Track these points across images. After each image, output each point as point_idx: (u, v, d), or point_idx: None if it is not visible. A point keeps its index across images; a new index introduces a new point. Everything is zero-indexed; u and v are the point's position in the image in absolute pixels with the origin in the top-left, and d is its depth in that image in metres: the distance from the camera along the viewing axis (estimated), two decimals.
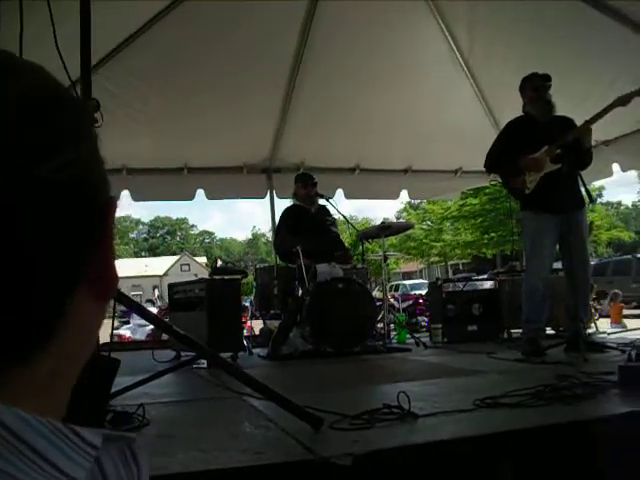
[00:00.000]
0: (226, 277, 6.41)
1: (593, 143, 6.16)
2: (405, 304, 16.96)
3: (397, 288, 31.89)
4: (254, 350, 6.68)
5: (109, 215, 0.55)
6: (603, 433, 2.59)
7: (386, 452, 2.23)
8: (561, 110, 5.42)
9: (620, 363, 3.56)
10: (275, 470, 2.08)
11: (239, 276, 6.55)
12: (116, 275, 0.57)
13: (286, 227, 6.95)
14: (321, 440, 2.45)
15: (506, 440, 2.42)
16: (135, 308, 2.88)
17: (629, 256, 21.77)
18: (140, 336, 13.66)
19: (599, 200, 52.64)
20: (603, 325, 9.15)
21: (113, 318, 3.11)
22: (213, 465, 2.11)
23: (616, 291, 13.19)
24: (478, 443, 2.36)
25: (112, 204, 0.56)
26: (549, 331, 6.69)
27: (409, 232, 37.55)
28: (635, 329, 7.17)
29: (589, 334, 6.14)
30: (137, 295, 58.08)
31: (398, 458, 2.24)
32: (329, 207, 7.30)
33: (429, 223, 40.81)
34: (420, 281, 35.41)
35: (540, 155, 5.25)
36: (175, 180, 8.57)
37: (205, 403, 3.69)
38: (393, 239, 39.80)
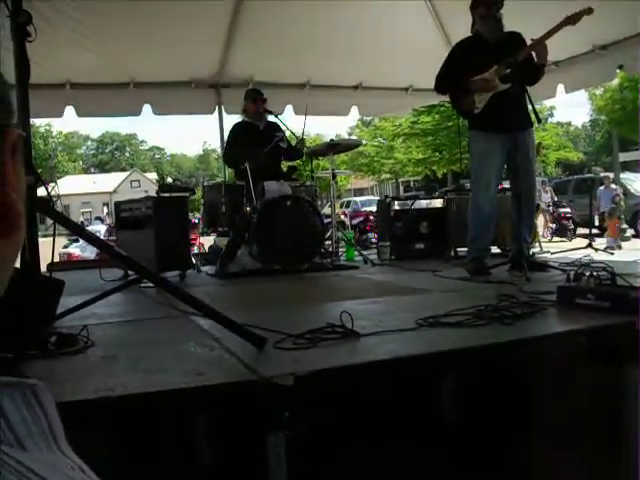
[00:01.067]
0: (173, 195, 6.33)
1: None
2: (356, 221, 17.09)
3: (348, 205, 31.99)
4: (203, 268, 6.68)
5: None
6: (538, 352, 2.66)
7: (327, 372, 2.25)
8: (511, 28, 5.36)
9: (559, 283, 3.64)
10: (216, 391, 2.09)
11: (187, 194, 6.48)
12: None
13: (235, 142, 6.86)
14: (264, 360, 2.46)
15: (444, 360, 2.47)
16: (74, 230, 2.82)
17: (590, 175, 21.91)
18: (90, 254, 13.52)
19: (550, 120, 53.04)
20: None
21: (54, 237, 3.04)
22: (154, 387, 2.11)
23: (613, 206, 13.38)
24: (416, 363, 2.41)
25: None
26: (495, 250, 6.81)
27: (360, 149, 37.57)
28: (577, 248, 7.31)
29: (533, 254, 6.25)
30: (87, 212, 57.47)
31: (339, 378, 2.27)
32: (279, 123, 7.21)
33: (381, 140, 40.69)
34: (371, 198, 35.48)
35: (489, 75, 5.22)
36: (121, 95, 8.38)
37: (151, 323, 3.67)
38: (344, 156, 39.78)
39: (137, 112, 8.56)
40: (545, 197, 16.56)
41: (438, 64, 5.57)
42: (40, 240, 3.05)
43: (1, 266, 0.56)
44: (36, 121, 48.49)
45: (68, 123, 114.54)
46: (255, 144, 6.66)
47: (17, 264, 0.63)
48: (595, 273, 3.53)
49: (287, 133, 7.28)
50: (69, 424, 0.57)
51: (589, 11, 4.83)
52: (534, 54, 5.15)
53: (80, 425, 1.77)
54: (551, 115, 57.28)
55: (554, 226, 16.91)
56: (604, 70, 7.66)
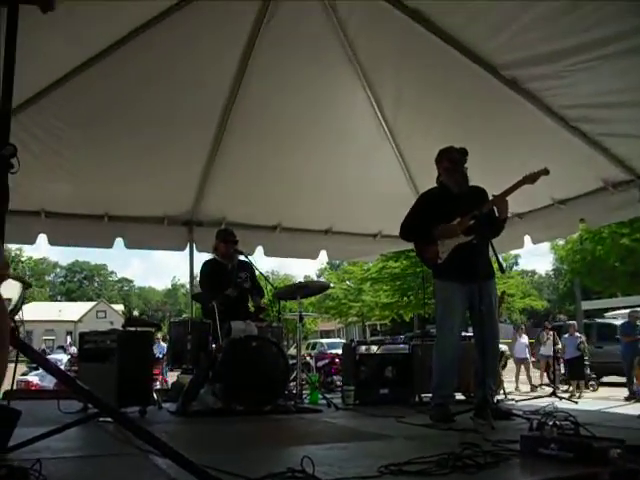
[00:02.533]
0: (139, 329, 6.30)
1: (509, 215, 6.38)
2: (321, 363, 16.87)
3: (314, 346, 31.85)
4: (165, 404, 6.55)
5: None
6: None
7: None
8: (478, 182, 5.59)
9: (523, 432, 3.64)
10: None
11: (152, 329, 6.45)
12: None
13: (207, 279, 6.93)
14: None
15: None
16: (36, 359, 2.80)
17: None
18: (48, 383, 13.22)
19: (515, 268, 54.17)
20: None
21: (15, 365, 3.01)
22: None
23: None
24: None
25: None
26: (459, 396, 6.78)
27: (328, 291, 37.82)
28: (541, 396, 7.32)
29: (497, 401, 6.24)
30: (50, 340, 56.39)
31: None
32: (248, 264, 7.30)
33: (349, 283, 41.09)
34: (338, 340, 35.50)
35: (453, 226, 5.40)
36: (94, 227, 8.44)
37: (108, 459, 3.58)
38: (312, 298, 39.98)
39: (109, 245, 8.61)
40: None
41: (406, 211, 5.77)
42: None
43: None
44: (7, 246, 48.49)
45: (39, 249, 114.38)
46: (221, 283, 6.73)
47: None
48: (558, 422, 3.53)
49: (256, 273, 7.38)
50: None
51: (546, 172, 5.10)
52: (495, 209, 5.36)
53: None
54: (516, 263, 58.71)
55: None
56: (567, 223, 7.95)
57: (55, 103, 6.48)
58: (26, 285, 2.63)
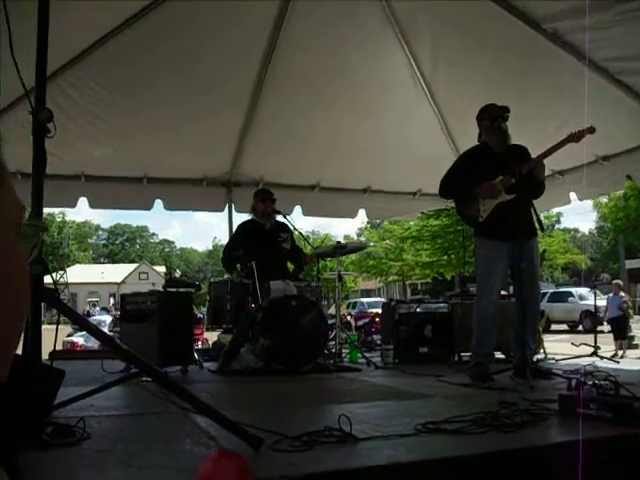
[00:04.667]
0: (179, 290, 6.37)
1: (549, 172, 6.28)
2: (361, 322, 17.03)
3: (354, 305, 31.98)
4: (205, 364, 6.64)
5: None
6: (538, 462, 2.63)
7: (321, 476, 2.24)
8: (516, 141, 5.50)
9: (561, 392, 3.62)
10: None
11: (192, 289, 6.52)
12: None
13: (236, 241, 6.96)
14: (259, 461, 2.44)
15: (441, 467, 2.44)
16: (77, 321, 2.85)
17: None
18: (93, 344, 13.43)
19: (557, 226, 53.49)
20: None
21: (57, 326, 3.06)
22: None
23: None
24: (412, 470, 2.38)
25: None
26: (499, 355, 6.76)
27: (369, 250, 37.79)
28: (582, 356, 7.26)
29: (536, 361, 6.21)
30: (94, 302, 57.42)
31: None
32: (287, 224, 7.32)
33: (389, 242, 41.00)
34: (378, 299, 35.56)
35: (495, 184, 5.33)
36: (134, 189, 8.53)
37: (149, 418, 3.65)
38: (353, 257, 40.02)
39: (149, 207, 8.69)
40: None
41: (445, 170, 5.71)
42: (45, 327, 3.08)
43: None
44: (53, 210, 49.25)
45: (80, 212, 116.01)
46: (259, 243, 6.76)
47: (18, 350, 0.66)
48: (598, 382, 3.50)
49: (295, 233, 7.39)
50: None
51: (592, 130, 4.98)
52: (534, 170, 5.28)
53: None
54: (558, 222, 57.85)
55: None
56: (613, 179, 7.79)
57: (95, 67, 6.51)
58: (41, 229, 2.65)
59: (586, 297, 25.46)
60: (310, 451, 2.57)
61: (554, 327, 27.26)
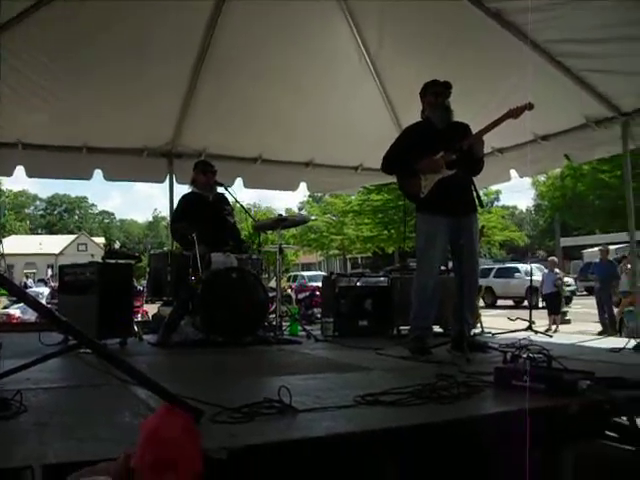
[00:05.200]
0: (119, 261, 6.29)
1: (489, 150, 6.37)
2: (302, 295, 17.08)
3: (295, 279, 32.07)
4: (145, 336, 6.59)
5: None
6: (474, 432, 2.69)
7: (261, 447, 2.25)
8: (459, 117, 5.55)
9: (496, 364, 3.70)
10: None
11: (132, 261, 6.44)
12: None
13: (183, 213, 6.88)
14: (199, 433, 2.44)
15: (379, 438, 2.48)
16: (15, 292, 2.80)
17: None
18: (30, 316, 13.20)
19: (495, 203, 54.39)
20: None
21: None
22: (86, 456, 2.07)
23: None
24: (350, 440, 2.41)
25: None
26: (437, 329, 6.87)
27: (310, 224, 37.84)
28: (517, 330, 7.41)
29: (474, 334, 6.32)
30: (31, 273, 56.31)
31: (273, 453, 2.27)
32: (228, 196, 7.27)
33: (331, 216, 41.11)
34: (319, 273, 35.66)
35: (436, 159, 5.37)
36: (72, 159, 8.37)
37: (88, 390, 3.62)
38: (294, 230, 40.00)
39: (88, 176, 8.54)
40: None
41: (388, 145, 5.73)
42: None
43: None
44: None
45: (18, 182, 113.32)
46: (204, 215, 6.69)
47: None
48: (532, 355, 3.60)
49: (237, 206, 7.35)
50: None
51: (530, 107, 5.03)
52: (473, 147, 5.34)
53: None
54: (497, 199, 58.84)
55: None
56: (552, 157, 7.96)
57: (29, 31, 6.29)
58: None
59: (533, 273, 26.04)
60: (250, 422, 2.58)
61: (500, 302, 27.95)
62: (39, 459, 1.98)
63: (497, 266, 30.55)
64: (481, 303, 27.58)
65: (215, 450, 2.12)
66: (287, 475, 2.26)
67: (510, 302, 27.80)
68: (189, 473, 1.06)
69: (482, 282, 29.46)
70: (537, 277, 18.88)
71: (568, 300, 25.24)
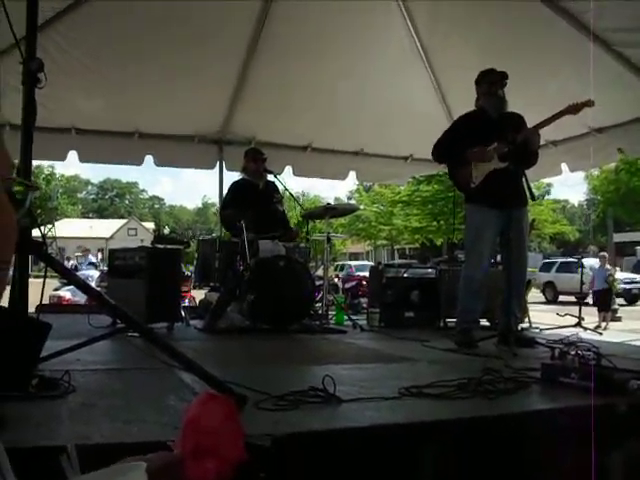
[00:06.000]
0: (168, 247, 6.36)
1: (542, 142, 6.26)
2: (349, 285, 17.08)
3: (342, 268, 32.04)
4: (192, 322, 6.65)
5: None
6: (517, 428, 2.66)
7: (304, 435, 2.25)
8: (513, 107, 5.47)
9: (543, 360, 3.65)
10: None
11: (181, 246, 6.51)
12: None
13: (232, 200, 6.92)
14: (243, 419, 2.45)
15: (424, 430, 2.47)
16: (65, 275, 2.84)
17: None
18: (80, 298, 13.40)
19: (547, 197, 53.57)
20: None
21: (44, 279, 3.04)
22: (132, 438, 2.10)
23: None
24: (395, 432, 2.40)
25: None
26: (484, 323, 6.81)
27: (359, 213, 37.78)
28: (566, 326, 7.32)
29: (521, 329, 6.25)
30: (82, 256, 57.21)
31: (316, 442, 2.27)
32: (277, 184, 7.29)
33: (380, 206, 40.98)
34: (366, 263, 35.56)
35: (488, 150, 5.31)
36: (124, 144, 8.47)
37: (135, 373, 3.66)
38: (342, 219, 40.01)
39: (139, 162, 8.66)
40: None
41: (438, 135, 5.68)
42: (32, 280, 3.06)
43: None
44: (41, 163, 48.81)
45: (70, 167, 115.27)
46: (254, 203, 6.72)
47: (5, 303, 0.65)
48: (580, 352, 3.54)
49: (286, 194, 7.37)
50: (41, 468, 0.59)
51: (590, 103, 4.95)
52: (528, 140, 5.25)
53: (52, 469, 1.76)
54: (548, 193, 57.93)
55: None
56: (605, 152, 7.79)
57: (87, 18, 6.38)
58: (32, 188, 2.63)
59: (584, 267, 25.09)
60: (294, 410, 2.59)
61: (562, 298, 26.25)
62: (82, 439, 2.01)
63: (560, 260, 29.68)
64: (542, 298, 27.23)
65: (258, 437, 2.13)
66: (329, 464, 2.26)
67: (572, 298, 26.98)
68: (230, 460, 1.06)
69: (544, 276, 28.50)
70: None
71: (635, 298, 24.65)
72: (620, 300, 23.35)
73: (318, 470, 2.24)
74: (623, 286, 24.39)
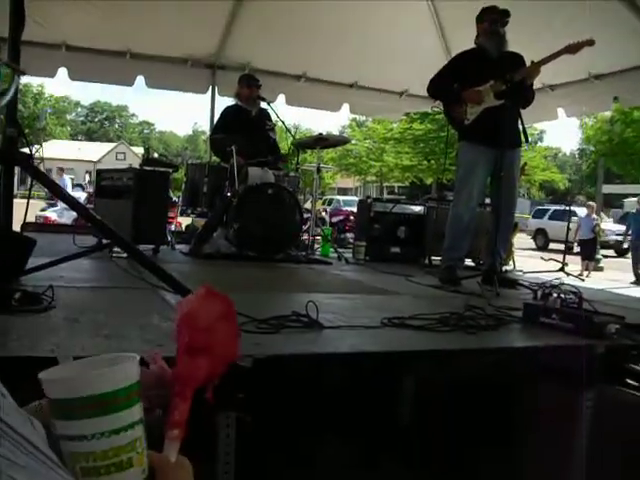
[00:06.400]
0: (156, 169, 6.30)
1: (540, 85, 6.19)
2: (336, 219, 17.14)
3: (330, 202, 32.06)
4: (178, 246, 6.65)
5: None
6: (497, 363, 2.69)
7: (285, 358, 2.27)
8: (511, 46, 5.38)
9: (526, 301, 3.68)
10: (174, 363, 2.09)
11: (170, 169, 6.45)
12: None
13: (224, 125, 6.85)
14: None
15: (403, 359, 2.49)
16: (50, 187, 2.80)
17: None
18: (66, 220, 13.38)
19: (539, 143, 53.41)
20: None
21: (29, 194, 3.02)
22: (113, 351, 2.10)
23: None
24: (375, 359, 2.42)
25: None
26: (469, 262, 6.85)
27: (350, 147, 37.58)
28: (549, 271, 7.35)
29: (505, 270, 6.28)
30: (69, 178, 56.85)
31: (297, 365, 2.29)
32: (270, 112, 7.20)
33: (372, 142, 40.77)
34: (354, 198, 35.50)
35: (484, 89, 5.25)
36: (116, 63, 8.31)
37: (119, 292, 3.67)
38: (333, 153, 39.85)
39: (130, 82, 8.52)
40: None
41: (435, 71, 5.59)
42: (17, 201, 3.03)
43: None
44: (30, 80, 48.05)
45: (60, 86, 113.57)
46: (246, 129, 6.66)
47: None
48: (562, 295, 3.56)
49: (278, 123, 7.30)
50: (18, 378, 0.58)
51: (591, 42, 4.87)
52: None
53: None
54: (541, 139, 57.76)
55: None
56: (601, 99, 7.73)
57: None
58: (18, 72, 2.57)
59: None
60: (276, 334, 2.60)
61: (552, 246, 26.12)
62: (66, 351, 2.01)
63: (553, 207, 29.62)
64: (532, 245, 27.32)
65: (239, 358, 2.14)
66: (309, 388, 2.28)
67: (562, 246, 26.88)
68: (223, 359, 1.06)
69: (536, 223, 28.55)
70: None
71: (626, 251, 24.67)
72: (610, 252, 23.49)
73: (297, 393, 2.26)
74: (615, 237, 24.50)
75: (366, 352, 2.44)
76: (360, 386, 2.40)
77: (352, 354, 2.40)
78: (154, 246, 5.85)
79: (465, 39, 5.67)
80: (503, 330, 3.19)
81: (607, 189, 40.01)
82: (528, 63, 5.20)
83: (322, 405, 2.35)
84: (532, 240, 28.81)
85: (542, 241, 27.90)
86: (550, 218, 27.95)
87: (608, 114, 28.58)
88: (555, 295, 3.54)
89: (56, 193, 2.97)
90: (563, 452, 2.81)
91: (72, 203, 2.76)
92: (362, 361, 2.40)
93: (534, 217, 30.00)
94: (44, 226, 10.73)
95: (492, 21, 5.31)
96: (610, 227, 25.21)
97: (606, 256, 19.71)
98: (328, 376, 2.34)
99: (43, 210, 16.28)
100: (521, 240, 27.89)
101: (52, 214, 15.73)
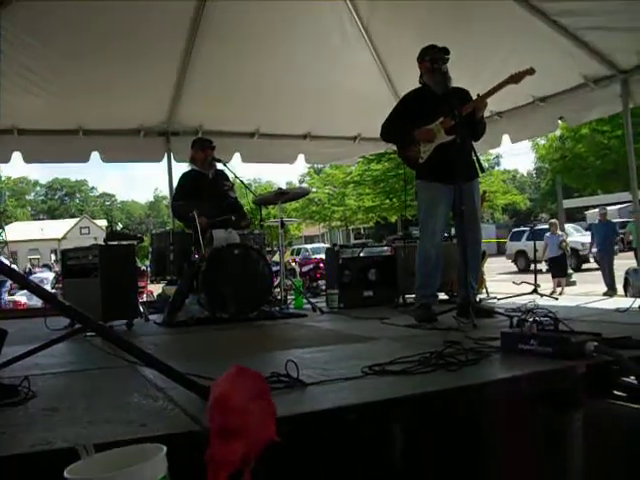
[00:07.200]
0: (121, 243, 6.28)
1: (488, 113, 6.30)
2: (306, 268, 17.11)
3: (298, 252, 32.09)
4: (151, 316, 6.61)
5: None
6: (481, 398, 2.69)
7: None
8: (456, 83, 5.49)
9: (503, 329, 3.70)
10: (158, 441, 2.06)
11: (134, 242, 6.43)
12: None
13: (183, 192, 6.86)
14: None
15: (389, 408, 2.48)
16: (18, 280, 2.78)
17: None
18: (37, 302, 13.23)
19: (496, 168, 54.20)
20: None
21: None
22: (96, 439, 2.07)
23: None
24: (360, 411, 2.40)
25: None
26: (443, 296, 6.87)
27: (312, 196, 37.79)
28: (522, 294, 7.41)
29: (479, 300, 6.31)
30: (35, 259, 56.42)
31: (281, 428, 2.26)
32: (227, 172, 7.24)
33: (332, 188, 41.01)
34: (322, 245, 35.71)
35: (434, 126, 5.35)
36: (69, 142, 8.34)
37: (96, 373, 3.62)
38: (295, 203, 39.97)
39: (85, 159, 8.51)
40: None
41: (386, 114, 5.69)
42: None
43: None
44: None
45: (16, 167, 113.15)
46: (205, 192, 6.68)
47: None
48: (538, 319, 3.58)
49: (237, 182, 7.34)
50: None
51: (531, 72, 5.02)
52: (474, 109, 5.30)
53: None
54: (497, 164, 58.69)
55: None
56: (546, 121, 7.91)
57: (22, 16, 6.24)
58: None
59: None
60: None
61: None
62: (44, 446, 1.97)
63: (529, 228, 29.72)
64: (514, 268, 27.42)
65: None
66: (297, 448, 2.25)
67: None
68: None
69: (515, 246, 28.57)
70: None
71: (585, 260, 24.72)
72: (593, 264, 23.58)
73: (286, 455, 2.23)
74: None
75: (349, 406, 2.42)
76: (348, 439, 2.39)
77: (334, 409, 2.38)
78: (127, 320, 5.81)
79: (411, 79, 5.78)
80: (484, 362, 3.19)
81: (568, 204, 40.50)
82: (474, 97, 5.31)
83: (315, 465, 2.33)
84: (513, 263, 28.91)
85: (523, 264, 27.78)
86: (528, 239, 28.04)
87: (558, 132, 29.04)
88: (530, 320, 3.56)
89: (22, 284, 2.94)
90: (559, 474, 2.82)
91: (38, 292, 2.73)
92: (346, 414, 2.38)
93: (511, 240, 30.10)
94: (14, 312, 10.61)
95: (433, 60, 5.43)
96: (588, 240, 25.30)
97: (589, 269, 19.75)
98: (315, 434, 2.32)
99: (12, 294, 16.10)
100: (503, 265, 28.10)
101: (21, 297, 15.56)
